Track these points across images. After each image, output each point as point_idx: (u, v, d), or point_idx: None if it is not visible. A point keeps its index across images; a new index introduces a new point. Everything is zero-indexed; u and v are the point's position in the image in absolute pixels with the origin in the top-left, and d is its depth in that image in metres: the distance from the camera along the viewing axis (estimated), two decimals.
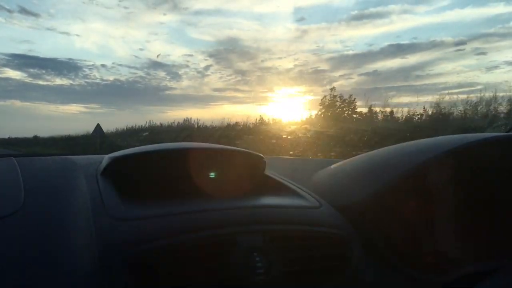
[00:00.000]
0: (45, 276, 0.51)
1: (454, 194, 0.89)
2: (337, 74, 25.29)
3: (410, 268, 0.74)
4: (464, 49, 17.55)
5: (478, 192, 0.88)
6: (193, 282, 0.58)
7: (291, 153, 6.79)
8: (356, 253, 0.71)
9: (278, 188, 0.93)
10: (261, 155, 0.97)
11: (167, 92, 30.06)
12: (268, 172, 1.01)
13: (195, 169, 0.92)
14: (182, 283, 0.57)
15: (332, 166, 1.05)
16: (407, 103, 8.41)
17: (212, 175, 0.93)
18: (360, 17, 25.86)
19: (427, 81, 17.62)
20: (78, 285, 0.52)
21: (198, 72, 29.13)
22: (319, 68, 25.75)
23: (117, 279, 0.54)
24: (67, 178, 0.78)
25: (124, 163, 0.86)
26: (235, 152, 0.96)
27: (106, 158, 0.88)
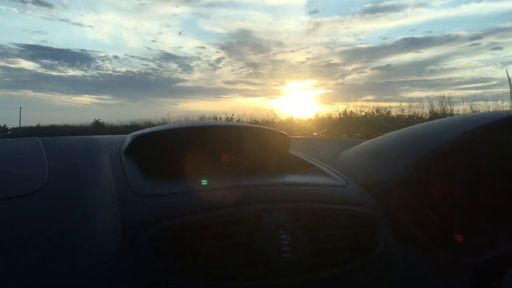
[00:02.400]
0: (69, 252, 0.52)
1: (484, 172, 0.85)
2: (349, 67, 24.56)
3: (439, 249, 0.71)
4: (479, 44, 16.69)
5: (509, 169, 0.84)
6: (217, 259, 0.57)
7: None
8: (383, 232, 0.69)
9: (304, 167, 0.92)
10: (286, 133, 0.95)
11: (179, 84, 30.08)
12: (293, 151, 0.99)
13: (219, 147, 0.92)
14: (206, 261, 0.57)
15: (358, 145, 1.02)
16: (420, 98, 8.09)
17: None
18: (374, 10, 24.75)
19: (441, 76, 16.79)
20: (102, 261, 0.53)
21: (210, 64, 28.93)
22: (331, 62, 25.08)
23: (141, 255, 0.54)
24: (91, 157, 0.79)
25: (148, 142, 0.87)
26: (260, 130, 0.95)
27: (129, 137, 0.88)
